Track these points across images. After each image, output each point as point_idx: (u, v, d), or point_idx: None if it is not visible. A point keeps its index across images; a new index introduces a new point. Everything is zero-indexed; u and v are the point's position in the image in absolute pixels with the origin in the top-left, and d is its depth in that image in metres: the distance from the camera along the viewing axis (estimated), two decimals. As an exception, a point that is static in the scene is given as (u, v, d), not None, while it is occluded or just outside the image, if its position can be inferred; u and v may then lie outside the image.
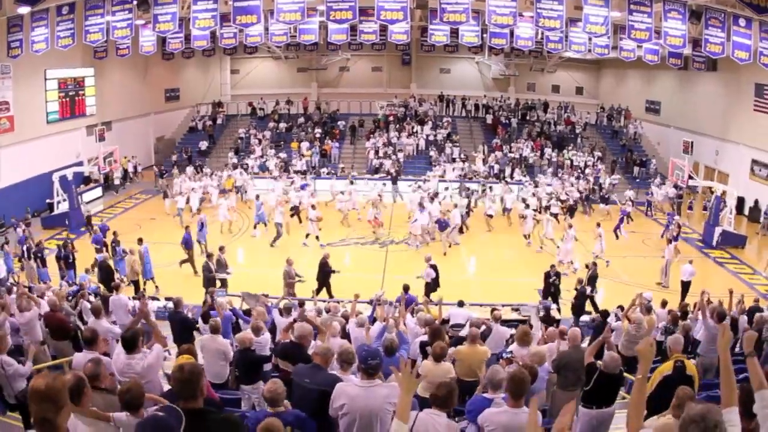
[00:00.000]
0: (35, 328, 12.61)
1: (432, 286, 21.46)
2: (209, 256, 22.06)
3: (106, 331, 11.40)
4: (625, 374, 9.62)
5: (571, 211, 32.34)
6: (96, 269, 22.52)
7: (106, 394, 6.55)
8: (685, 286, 23.00)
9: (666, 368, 9.54)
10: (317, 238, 28.16)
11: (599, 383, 9.01)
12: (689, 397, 6.53)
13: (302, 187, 34.00)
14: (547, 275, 21.73)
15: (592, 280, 21.43)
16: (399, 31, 30.96)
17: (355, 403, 6.42)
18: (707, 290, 15.19)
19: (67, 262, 23.15)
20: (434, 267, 21.80)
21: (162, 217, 32.94)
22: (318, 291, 21.48)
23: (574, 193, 34.89)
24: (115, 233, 24.81)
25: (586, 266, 22.35)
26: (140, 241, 23.39)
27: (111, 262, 22.89)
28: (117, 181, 39.16)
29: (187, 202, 31.83)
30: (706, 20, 25.17)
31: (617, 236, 29.29)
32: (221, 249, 22.63)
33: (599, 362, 9.22)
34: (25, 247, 23.52)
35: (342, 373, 7.30)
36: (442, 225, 28.17)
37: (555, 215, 31.35)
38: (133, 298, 17.66)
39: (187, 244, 24.27)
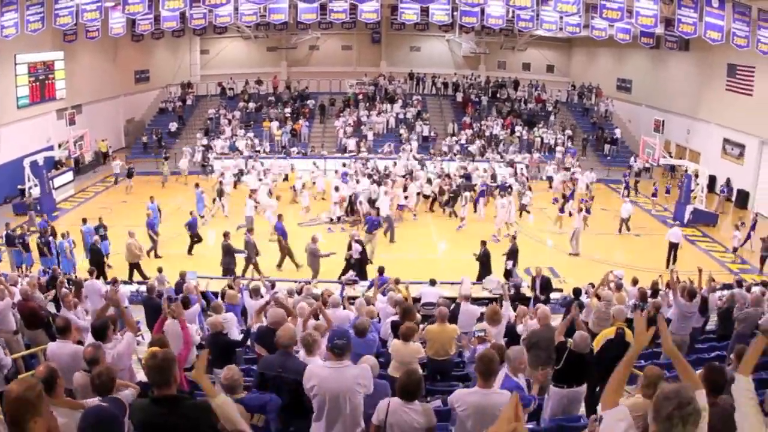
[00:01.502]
0: (8, 317, 12.42)
1: (361, 261, 21.81)
2: (226, 235, 21.95)
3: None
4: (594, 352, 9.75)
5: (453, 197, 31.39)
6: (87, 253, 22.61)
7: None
8: (673, 247, 24.94)
9: (609, 333, 10.82)
10: (338, 219, 29.10)
11: (569, 362, 9.11)
12: (659, 377, 6.62)
13: (343, 178, 32.66)
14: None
15: (512, 254, 21.66)
16: (369, 9, 30.86)
17: (324, 384, 6.50)
18: (675, 268, 15.34)
19: (48, 248, 22.88)
20: (360, 242, 22.13)
21: (132, 200, 32.47)
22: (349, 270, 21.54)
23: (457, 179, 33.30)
24: (100, 218, 24.59)
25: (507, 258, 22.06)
26: (84, 221, 24.09)
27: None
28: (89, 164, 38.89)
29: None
30: (679, 0, 25.28)
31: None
32: (250, 231, 22.68)
33: (570, 340, 9.33)
34: (4, 233, 23.20)
35: (307, 357, 7.36)
36: (373, 224, 25.45)
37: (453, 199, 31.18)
38: (107, 283, 17.59)
39: (282, 233, 23.55)
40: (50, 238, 22.99)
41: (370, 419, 6.55)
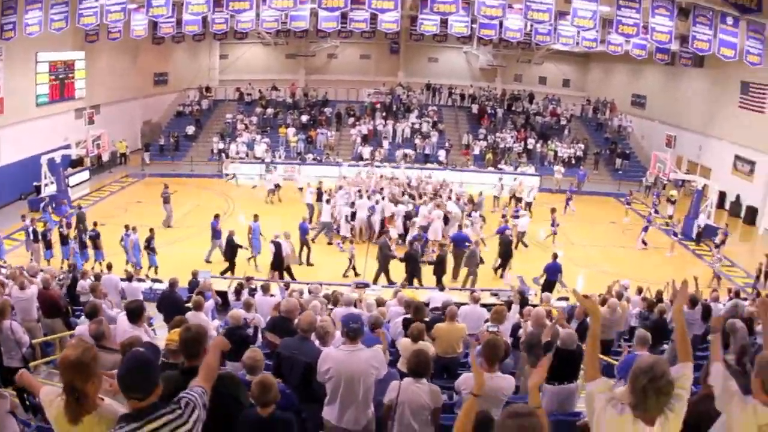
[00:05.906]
0: (32, 307, 12.72)
1: (275, 263, 21.94)
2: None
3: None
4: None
5: None
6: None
7: (112, 354, 6.92)
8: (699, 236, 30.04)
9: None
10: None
11: (558, 359, 9.33)
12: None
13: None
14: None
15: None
16: (389, 20, 31.10)
17: (340, 367, 6.86)
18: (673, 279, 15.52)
19: (81, 242, 23.36)
20: (276, 243, 21.91)
21: (148, 200, 32.50)
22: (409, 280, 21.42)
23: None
24: (151, 230, 23.71)
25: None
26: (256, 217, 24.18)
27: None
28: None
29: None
30: (694, 17, 25.45)
31: None
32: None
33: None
34: (30, 230, 23.12)
35: (321, 346, 7.69)
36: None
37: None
38: (123, 280, 17.65)
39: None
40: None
41: (378, 405, 6.92)
